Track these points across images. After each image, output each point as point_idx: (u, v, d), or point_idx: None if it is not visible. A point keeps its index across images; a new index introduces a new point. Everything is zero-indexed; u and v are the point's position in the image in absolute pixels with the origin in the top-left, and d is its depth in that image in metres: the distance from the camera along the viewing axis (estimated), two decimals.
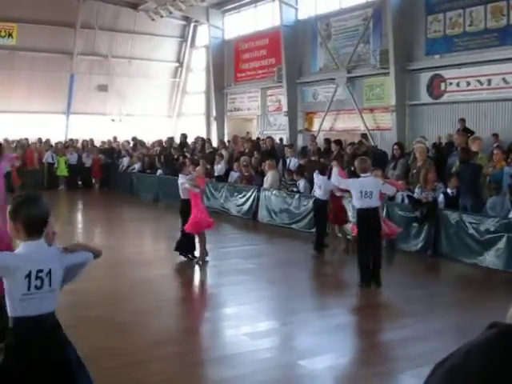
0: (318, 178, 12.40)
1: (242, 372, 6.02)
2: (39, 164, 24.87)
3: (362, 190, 9.31)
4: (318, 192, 12.47)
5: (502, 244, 10.29)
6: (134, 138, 27.55)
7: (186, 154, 22.27)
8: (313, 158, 17.11)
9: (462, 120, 17.94)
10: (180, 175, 11.70)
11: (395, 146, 15.18)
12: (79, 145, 26.99)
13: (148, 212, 19.03)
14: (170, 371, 6.01)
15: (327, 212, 12.32)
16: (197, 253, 11.22)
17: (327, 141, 19.10)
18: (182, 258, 11.47)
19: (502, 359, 1.23)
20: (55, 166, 24.72)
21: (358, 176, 9.70)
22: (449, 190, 12.18)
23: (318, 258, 11.88)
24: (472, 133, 17.28)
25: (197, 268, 10.96)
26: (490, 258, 10.47)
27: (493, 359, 1.24)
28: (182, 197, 11.42)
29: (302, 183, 15.47)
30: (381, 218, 9.67)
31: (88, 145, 26.78)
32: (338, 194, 12.10)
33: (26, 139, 26.39)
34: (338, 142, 17.29)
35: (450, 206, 11.87)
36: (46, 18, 28.42)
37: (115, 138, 28.09)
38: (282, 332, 7.39)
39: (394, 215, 12.37)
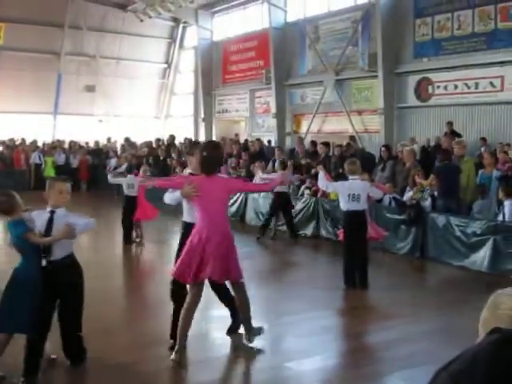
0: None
1: (229, 374, 6.00)
2: (26, 165, 24.73)
3: (350, 193, 9.32)
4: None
5: (488, 247, 10.35)
6: (127, 139, 27.49)
7: (173, 155, 22.27)
8: (303, 162, 17.13)
9: (450, 123, 18.04)
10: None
11: (383, 148, 15.22)
12: (66, 145, 26.85)
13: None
14: (156, 372, 5.98)
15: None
16: None
17: (313, 143, 19.11)
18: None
19: (507, 365, 1.24)
20: (42, 166, 24.57)
21: (346, 178, 9.72)
22: (436, 193, 12.21)
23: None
24: (459, 136, 17.37)
25: None
26: (477, 261, 10.52)
27: (499, 365, 1.25)
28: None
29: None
30: (368, 221, 9.67)
31: (75, 146, 26.65)
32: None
33: (12, 139, 26.22)
34: (326, 145, 17.31)
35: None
36: (34, 18, 28.27)
37: (109, 139, 27.99)
38: (269, 334, 7.36)
39: (381, 218, 12.39)
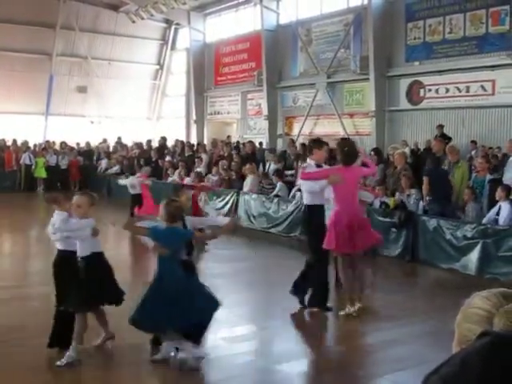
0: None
1: (220, 377, 5.99)
2: (17, 165, 24.60)
3: None
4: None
5: (477, 250, 10.38)
6: (119, 139, 27.44)
7: (167, 156, 22.26)
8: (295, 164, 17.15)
9: (440, 126, 18.11)
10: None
11: (372, 152, 15.23)
12: (57, 146, 26.73)
13: (126, 214, 18.87)
14: (146, 375, 5.97)
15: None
16: None
17: (303, 145, 19.09)
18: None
19: (498, 368, 1.25)
20: (32, 167, 24.44)
21: None
22: (427, 197, 12.21)
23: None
24: (450, 139, 17.43)
25: None
26: (467, 264, 10.55)
27: (490, 369, 1.26)
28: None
29: (278, 186, 15.50)
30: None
31: (66, 147, 26.54)
32: None
33: (3, 140, 26.09)
34: None
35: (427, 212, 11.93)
36: (26, 19, 28.19)
37: (105, 140, 27.88)
38: (259, 336, 7.37)
39: (372, 221, 12.39)
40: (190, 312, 5.82)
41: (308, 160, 8.13)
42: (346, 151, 7.68)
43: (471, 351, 1.33)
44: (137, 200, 15.40)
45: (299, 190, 15.25)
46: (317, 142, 8.50)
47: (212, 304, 6.11)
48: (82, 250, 6.13)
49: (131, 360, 6.30)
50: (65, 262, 6.22)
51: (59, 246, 6.40)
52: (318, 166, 8.01)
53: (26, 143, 25.62)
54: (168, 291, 5.77)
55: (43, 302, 8.58)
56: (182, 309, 5.75)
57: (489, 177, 12.10)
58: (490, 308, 1.47)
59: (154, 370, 6.07)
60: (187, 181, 13.32)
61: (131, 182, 15.79)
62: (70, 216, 6.24)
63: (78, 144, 27.37)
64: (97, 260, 6.18)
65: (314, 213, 7.91)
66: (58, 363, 5.90)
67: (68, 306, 6.04)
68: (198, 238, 6.52)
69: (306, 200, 7.98)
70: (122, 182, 16.98)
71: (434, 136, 17.93)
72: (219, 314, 7.97)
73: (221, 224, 6.95)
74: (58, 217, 6.28)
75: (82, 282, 6.05)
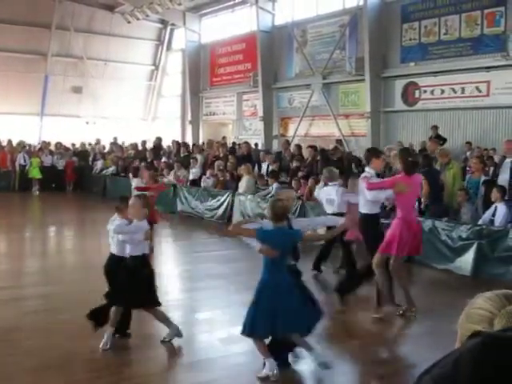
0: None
1: (215, 377, 5.99)
2: (12, 166, 24.55)
3: (327, 198, 10.16)
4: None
5: (472, 251, 10.41)
6: (114, 139, 27.41)
7: (164, 157, 22.26)
8: (294, 165, 17.13)
9: (435, 127, 18.15)
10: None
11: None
12: (52, 147, 26.68)
13: None
14: (142, 375, 5.97)
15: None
16: None
17: (298, 147, 19.12)
18: (155, 263, 11.36)
19: (490, 368, 1.25)
20: (27, 167, 24.37)
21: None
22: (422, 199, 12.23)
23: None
24: (444, 140, 17.47)
25: (170, 272, 10.93)
26: (462, 265, 10.57)
27: (482, 368, 1.26)
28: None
29: (274, 187, 15.50)
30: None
31: (61, 147, 26.51)
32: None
33: None
34: (313, 148, 17.29)
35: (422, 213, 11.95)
36: (21, 19, 28.13)
37: (99, 141, 27.84)
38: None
39: None
40: (297, 319, 5.73)
41: (367, 169, 8.27)
42: (408, 161, 8.00)
43: (463, 352, 1.34)
44: None
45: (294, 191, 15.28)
46: (374, 152, 8.77)
47: (317, 314, 6.10)
48: (132, 250, 6.50)
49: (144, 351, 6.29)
50: (116, 265, 6.70)
51: (113, 249, 6.87)
52: (378, 174, 8.42)
53: (21, 143, 25.56)
54: (276, 296, 5.70)
55: (39, 302, 8.58)
56: (289, 314, 5.67)
57: (483, 178, 12.13)
58: (491, 309, 1.48)
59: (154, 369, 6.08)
60: (136, 183, 12.94)
61: (137, 184, 14.97)
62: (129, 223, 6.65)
63: (73, 145, 27.31)
64: (144, 261, 6.59)
65: (373, 221, 8.22)
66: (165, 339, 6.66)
67: (106, 297, 6.56)
68: (307, 239, 6.28)
69: (364, 209, 8.13)
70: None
71: (428, 137, 17.98)
72: (215, 315, 8.00)
73: (336, 223, 6.99)
74: (117, 223, 6.70)
75: (127, 279, 6.42)
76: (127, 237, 6.52)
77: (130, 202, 6.63)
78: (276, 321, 5.65)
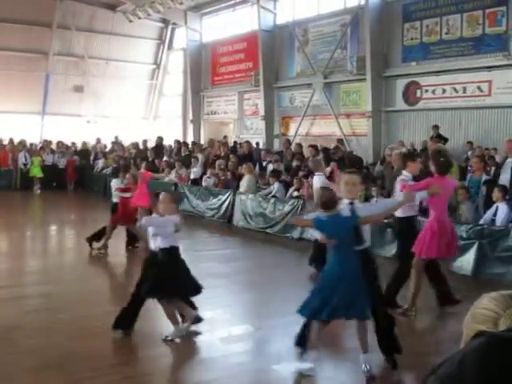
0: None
1: (216, 376, 5.99)
2: (13, 164, 24.56)
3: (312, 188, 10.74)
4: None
5: (473, 250, 10.39)
6: (116, 138, 27.41)
7: (165, 156, 22.28)
8: (295, 164, 17.13)
9: (436, 126, 18.14)
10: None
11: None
12: (53, 146, 26.71)
13: None
14: (142, 375, 5.97)
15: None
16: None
17: (299, 146, 19.13)
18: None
19: (495, 368, 1.26)
20: (28, 166, 24.38)
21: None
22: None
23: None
24: (446, 139, 17.46)
25: None
26: (463, 264, 10.56)
27: (487, 368, 1.26)
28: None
29: (276, 186, 15.50)
30: None
31: (62, 146, 26.53)
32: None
33: (0, 139, 26.06)
34: (314, 147, 17.28)
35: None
36: (22, 18, 28.12)
37: (99, 140, 27.81)
38: (256, 336, 7.37)
39: None
40: (355, 304, 5.74)
41: (404, 172, 8.40)
42: (441, 162, 8.02)
43: (468, 352, 1.34)
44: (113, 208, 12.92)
45: (296, 190, 15.31)
46: (410, 156, 9.02)
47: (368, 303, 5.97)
48: (162, 243, 6.73)
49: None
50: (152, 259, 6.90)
51: (151, 244, 6.99)
52: (414, 177, 8.43)
53: (23, 142, 25.56)
54: (340, 284, 5.71)
55: (39, 301, 8.58)
56: (349, 298, 5.69)
57: (484, 177, 12.12)
58: (496, 309, 1.48)
59: (156, 364, 6.08)
60: (116, 183, 12.90)
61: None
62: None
63: (73, 143, 27.32)
64: (174, 254, 6.83)
65: (409, 224, 8.34)
66: (167, 337, 6.73)
67: (141, 291, 6.75)
68: (362, 222, 5.94)
69: (399, 212, 8.06)
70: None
71: (430, 136, 17.97)
72: (216, 314, 7.99)
73: (393, 204, 7.05)
74: (146, 217, 7.18)
75: (157, 271, 6.67)
76: (157, 230, 6.76)
77: (160, 197, 6.88)
78: (337, 305, 5.68)
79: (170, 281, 6.67)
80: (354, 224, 5.84)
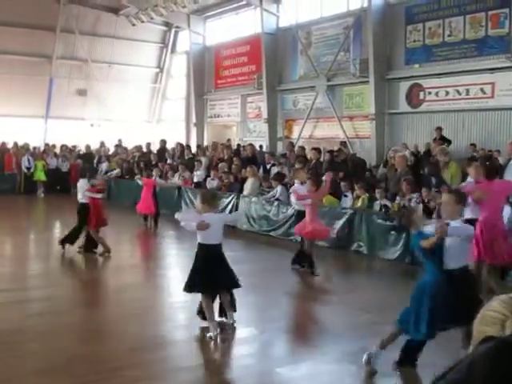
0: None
1: (221, 379, 5.99)
2: (17, 168, 24.60)
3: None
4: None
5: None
6: (119, 141, 27.43)
7: (169, 160, 22.28)
8: (297, 167, 17.11)
9: (439, 128, 18.12)
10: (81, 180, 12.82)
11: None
12: (57, 149, 26.74)
13: (126, 218, 18.90)
14: (147, 378, 5.96)
15: None
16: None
17: (302, 149, 19.13)
18: (160, 265, 11.42)
19: (504, 373, 1.25)
20: (31, 170, 24.41)
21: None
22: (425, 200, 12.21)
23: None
24: (449, 141, 17.45)
25: (174, 275, 10.94)
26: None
27: (496, 373, 1.26)
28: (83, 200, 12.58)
29: (278, 189, 15.48)
30: (312, 219, 10.52)
31: (66, 150, 26.57)
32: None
33: (4, 143, 26.10)
34: (317, 150, 17.27)
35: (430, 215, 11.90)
36: (26, 22, 28.16)
37: (103, 144, 27.79)
38: (260, 339, 7.36)
39: (372, 224, 12.44)
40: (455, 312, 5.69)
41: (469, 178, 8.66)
42: (487, 165, 8.28)
43: (476, 357, 1.34)
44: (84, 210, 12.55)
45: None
46: (470, 161, 9.45)
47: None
48: (199, 238, 7.24)
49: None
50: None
51: None
52: (477, 182, 8.64)
53: (26, 146, 25.60)
54: (439, 294, 5.75)
55: (43, 305, 8.59)
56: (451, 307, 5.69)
57: None
58: (504, 311, 1.48)
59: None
60: (84, 183, 12.98)
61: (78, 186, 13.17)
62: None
63: (74, 146, 27.34)
64: (204, 250, 7.20)
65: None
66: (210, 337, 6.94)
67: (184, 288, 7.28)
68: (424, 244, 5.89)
69: (467, 213, 8.21)
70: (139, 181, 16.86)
71: (433, 139, 17.96)
72: (219, 317, 7.98)
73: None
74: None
75: (193, 266, 7.27)
76: (187, 227, 7.25)
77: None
78: (438, 317, 5.67)
79: (198, 275, 7.12)
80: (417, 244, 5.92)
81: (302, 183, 11.27)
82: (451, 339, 5.96)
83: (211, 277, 7.07)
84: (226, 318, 7.41)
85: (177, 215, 7.80)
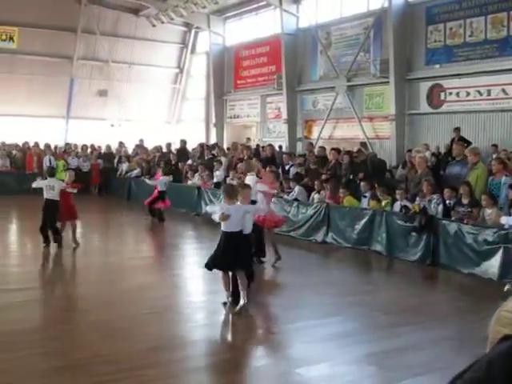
0: None
1: (237, 379, 5.99)
2: (38, 168, 24.76)
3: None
4: None
5: (499, 255, 10.28)
6: (141, 141, 27.54)
7: (190, 160, 22.37)
8: (314, 167, 17.09)
9: (457, 129, 17.96)
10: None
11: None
12: (78, 149, 26.92)
13: (143, 216, 18.99)
14: (166, 377, 5.98)
15: None
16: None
17: (323, 149, 19.10)
18: (178, 264, 11.45)
19: None
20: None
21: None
22: (447, 201, 12.13)
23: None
24: (468, 142, 17.29)
25: (192, 274, 10.96)
26: (488, 269, 10.46)
27: None
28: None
29: (297, 190, 15.47)
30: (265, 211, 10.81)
31: (86, 150, 26.73)
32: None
33: (26, 143, 26.34)
34: (337, 151, 17.22)
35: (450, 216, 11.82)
36: (47, 23, 28.43)
37: (121, 144, 27.90)
38: (278, 340, 7.36)
39: (392, 225, 12.39)
40: None
41: None
42: None
43: (494, 356, 1.33)
44: (53, 207, 13.19)
45: (318, 192, 15.25)
46: None
47: None
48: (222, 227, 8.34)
49: None
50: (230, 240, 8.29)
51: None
52: None
53: (48, 146, 25.77)
54: None
55: (64, 303, 8.65)
56: None
57: (505, 179, 11.92)
58: None
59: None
60: (56, 182, 13.49)
61: (48, 184, 13.67)
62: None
63: (92, 146, 27.48)
64: (225, 236, 8.23)
65: None
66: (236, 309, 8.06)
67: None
68: None
69: None
70: (148, 181, 18.19)
71: (451, 139, 17.78)
72: (238, 318, 8.00)
73: None
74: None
75: (216, 248, 8.34)
76: (213, 215, 8.59)
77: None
78: None
79: (218, 256, 8.23)
80: None
81: (257, 175, 11.80)
82: (468, 341, 5.92)
83: (229, 258, 8.14)
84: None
85: (207, 208, 9.46)
